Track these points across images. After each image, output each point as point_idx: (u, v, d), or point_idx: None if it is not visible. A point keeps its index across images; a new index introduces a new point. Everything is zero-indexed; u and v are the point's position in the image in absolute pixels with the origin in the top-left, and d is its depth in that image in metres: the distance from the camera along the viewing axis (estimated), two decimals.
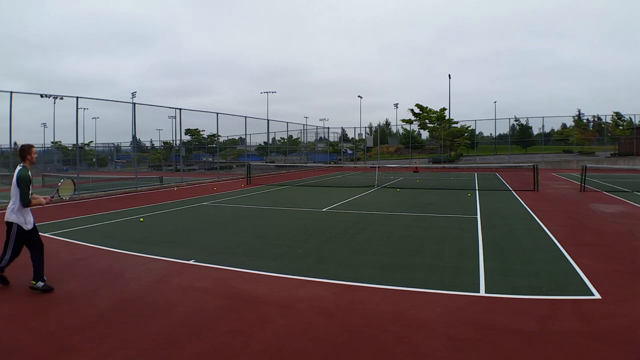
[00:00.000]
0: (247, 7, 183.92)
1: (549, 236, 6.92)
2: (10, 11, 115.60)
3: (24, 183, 4.36)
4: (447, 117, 41.90)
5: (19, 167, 4.47)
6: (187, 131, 41.09)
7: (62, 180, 5.16)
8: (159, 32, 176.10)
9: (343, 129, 54.58)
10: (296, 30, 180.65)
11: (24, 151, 4.54)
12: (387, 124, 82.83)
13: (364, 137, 44.44)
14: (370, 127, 57.46)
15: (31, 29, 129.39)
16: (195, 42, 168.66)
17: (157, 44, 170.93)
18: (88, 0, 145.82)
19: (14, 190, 4.40)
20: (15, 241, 4.47)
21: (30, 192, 4.42)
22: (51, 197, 4.77)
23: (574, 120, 41.80)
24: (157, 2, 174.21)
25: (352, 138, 51.67)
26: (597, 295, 4.12)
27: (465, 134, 40.80)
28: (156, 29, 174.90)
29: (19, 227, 4.43)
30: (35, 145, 4.69)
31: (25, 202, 4.35)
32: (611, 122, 39.36)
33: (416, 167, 27.35)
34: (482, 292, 4.26)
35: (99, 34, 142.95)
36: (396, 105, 67.88)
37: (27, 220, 4.47)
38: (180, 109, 19.98)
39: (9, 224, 4.45)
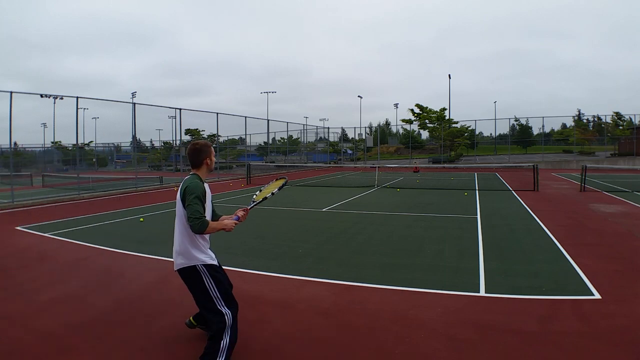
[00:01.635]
0: (247, 7, 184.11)
1: (549, 236, 6.92)
2: (11, 11, 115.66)
3: (193, 195, 2.71)
4: (447, 117, 41.92)
5: (189, 176, 2.90)
6: (187, 131, 41.05)
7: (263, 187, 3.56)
8: (158, 32, 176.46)
9: (343, 129, 54.67)
10: (296, 30, 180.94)
11: (202, 152, 2.90)
12: (387, 124, 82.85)
13: (364, 137, 44.44)
14: (370, 127, 57.49)
15: (31, 29, 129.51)
16: (195, 42, 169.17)
17: (157, 44, 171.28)
18: (88, 0, 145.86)
19: (180, 216, 2.82)
20: (217, 285, 2.83)
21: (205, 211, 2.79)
22: (247, 210, 3.08)
23: (574, 120, 41.80)
24: (157, 2, 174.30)
25: (352, 138, 51.69)
26: (597, 295, 4.11)
27: (465, 134, 40.80)
28: (156, 29, 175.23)
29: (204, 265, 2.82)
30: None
31: (200, 226, 2.63)
32: (611, 122, 39.38)
33: (416, 167, 27.34)
34: (482, 292, 4.26)
35: (99, 34, 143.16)
36: (396, 105, 67.98)
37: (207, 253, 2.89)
38: (180, 109, 20.01)
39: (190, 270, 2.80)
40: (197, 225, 2.63)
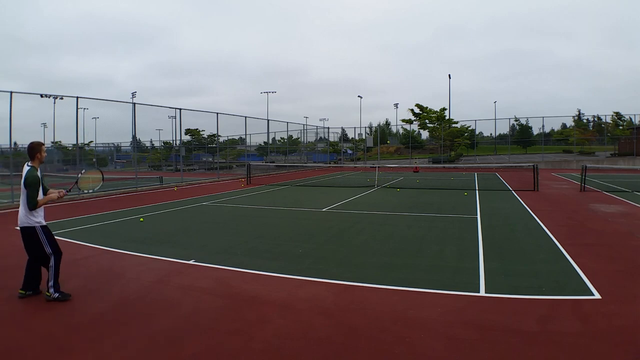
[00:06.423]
0: (246, 7, 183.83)
1: (549, 236, 6.92)
2: (8, 10, 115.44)
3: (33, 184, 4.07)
4: (447, 117, 41.94)
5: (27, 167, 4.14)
6: (187, 131, 41.01)
7: (82, 171, 4.67)
8: (157, 32, 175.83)
9: (343, 129, 54.59)
10: (296, 31, 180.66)
11: (33, 149, 4.19)
12: (387, 124, 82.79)
13: (364, 137, 44.43)
14: (370, 127, 57.50)
15: (28, 28, 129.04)
16: (194, 42, 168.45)
17: (155, 43, 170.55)
18: None
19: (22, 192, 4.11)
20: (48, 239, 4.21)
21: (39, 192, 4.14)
22: (67, 191, 4.43)
23: (574, 120, 41.84)
24: (156, 1, 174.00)
25: (352, 138, 51.69)
26: (597, 295, 4.12)
27: (465, 134, 40.82)
28: (154, 28, 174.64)
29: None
30: None
31: (32, 205, 4.08)
32: (611, 122, 39.40)
33: (416, 167, 27.34)
34: (482, 292, 4.27)
35: (97, 33, 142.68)
36: (396, 105, 67.81)
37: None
38: (180, 109, 19.99)
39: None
40: (31, 206, 4.06)
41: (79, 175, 4.66)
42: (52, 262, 4.18)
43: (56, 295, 4.11)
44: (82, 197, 13.91)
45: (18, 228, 4.25)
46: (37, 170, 4.18)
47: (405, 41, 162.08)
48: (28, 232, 4.17)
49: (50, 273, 4.17)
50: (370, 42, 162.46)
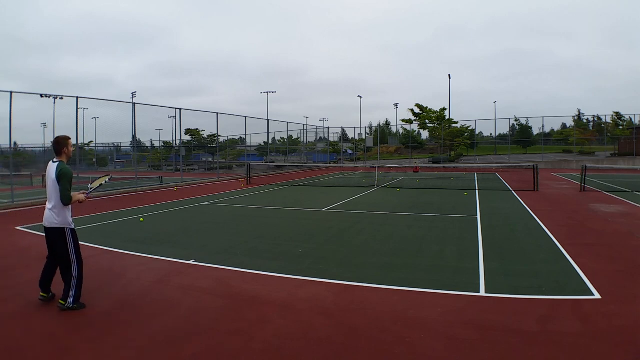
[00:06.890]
0: (246, 7, 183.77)
1: (549, 236, 6.92)
2: (9, 11, 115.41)
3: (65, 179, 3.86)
4: (447, 117, 41.95)
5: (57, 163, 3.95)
6: (187, 131, 41.00)
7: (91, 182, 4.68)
8: (156, 32, 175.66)
9: (343, 129, 54.57)
10: (296, 31, 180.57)
11: (59, 144, 4.02)
12: (387, 124, 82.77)
13: (364, 137, 44.46)
14: (370, 127, 57.48)
15: (29, 28, 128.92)
16: (194, 42, 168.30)
17: (155, 43, 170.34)
18: None
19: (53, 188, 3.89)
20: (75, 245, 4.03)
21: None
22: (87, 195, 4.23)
23: (574, 120, 41.86)
24: (156, 1, 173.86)
25: (352, 138, 51.71)
26: (597, 295, 4.12)
27: (465, 134, 40.83)
28: (154, 28, 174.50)
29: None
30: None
31: (66, 199, 3.84)
32: (611, 122, 39.40)
33: (416, 167, 27.35)
34: (482, 292, 4.27)
35: (97, 33, 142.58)
36: (396, 105, 67.80)
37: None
38: (180, 109, 19.98)
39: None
40: (66, 201, 3.86)
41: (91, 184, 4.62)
42: (75, 272, 3.94)
43: (73, 305, 3.88)
44: None
45: (43, 227, 4.03)
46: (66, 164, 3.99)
47: (405, 41, 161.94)
48: (57, 233, 3.96)
49: (72, 283, 3.90)
50: (370, 42, 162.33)
